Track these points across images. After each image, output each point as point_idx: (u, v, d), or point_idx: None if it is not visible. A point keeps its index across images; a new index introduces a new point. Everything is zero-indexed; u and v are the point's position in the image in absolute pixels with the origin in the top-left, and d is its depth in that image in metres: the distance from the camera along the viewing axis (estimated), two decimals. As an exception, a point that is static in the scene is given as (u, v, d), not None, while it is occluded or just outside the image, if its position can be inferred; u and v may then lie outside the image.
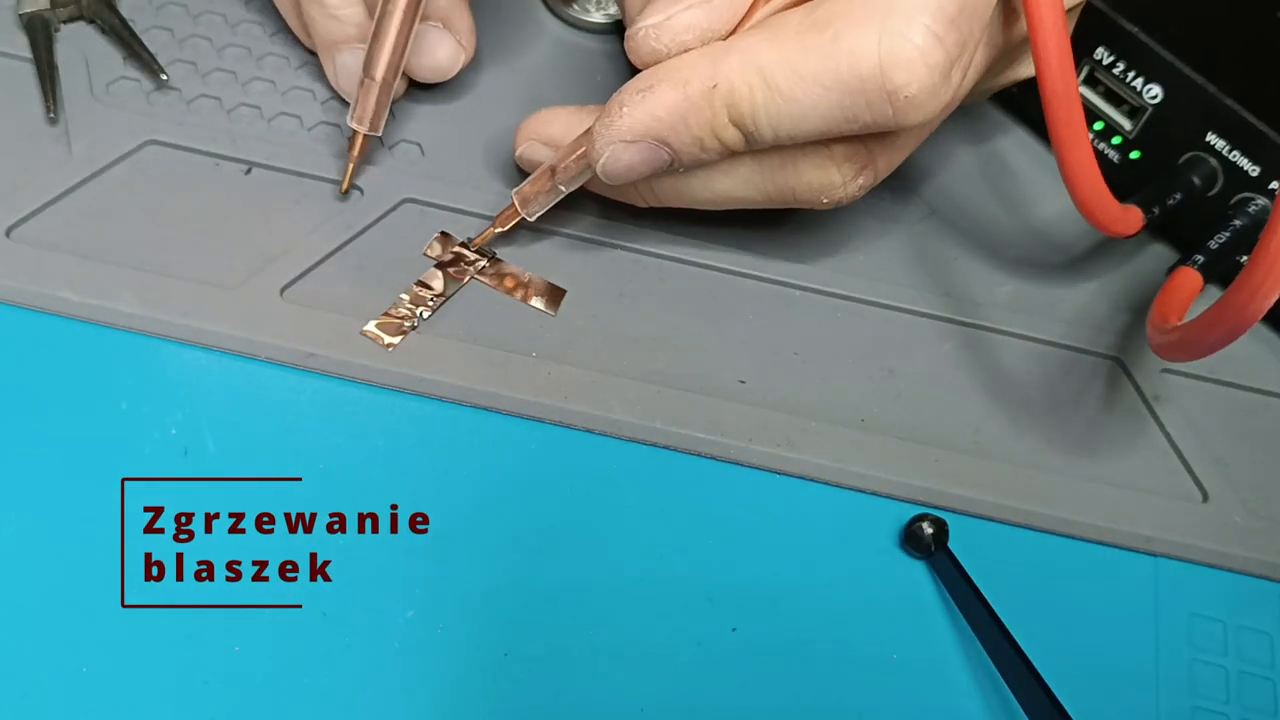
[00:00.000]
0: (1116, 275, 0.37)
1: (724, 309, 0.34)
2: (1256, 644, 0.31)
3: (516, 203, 0.32)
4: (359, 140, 0.33)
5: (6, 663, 0.27)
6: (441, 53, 0.34)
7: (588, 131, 0.30)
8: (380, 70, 0.32)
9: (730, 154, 0.29)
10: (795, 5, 0.28)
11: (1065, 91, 0.29)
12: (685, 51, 0.28)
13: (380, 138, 0.35)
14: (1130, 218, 0.32)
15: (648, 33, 0.28)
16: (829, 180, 0.30)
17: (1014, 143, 0.40)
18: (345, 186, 0.34)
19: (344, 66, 0.34)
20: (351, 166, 0.34)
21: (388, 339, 0.31)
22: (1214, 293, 0.36)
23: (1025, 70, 0.33)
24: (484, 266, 0.33)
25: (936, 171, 0.38)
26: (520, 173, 0.35)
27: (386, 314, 0.32)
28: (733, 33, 0.28)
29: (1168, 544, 0.32)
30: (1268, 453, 0.34)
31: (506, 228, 0.33)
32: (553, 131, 0.32)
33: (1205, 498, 0.33)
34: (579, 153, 0.31)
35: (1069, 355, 0.35)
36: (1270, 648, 0.31)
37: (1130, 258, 0.37)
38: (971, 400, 0.34)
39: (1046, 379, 0.34)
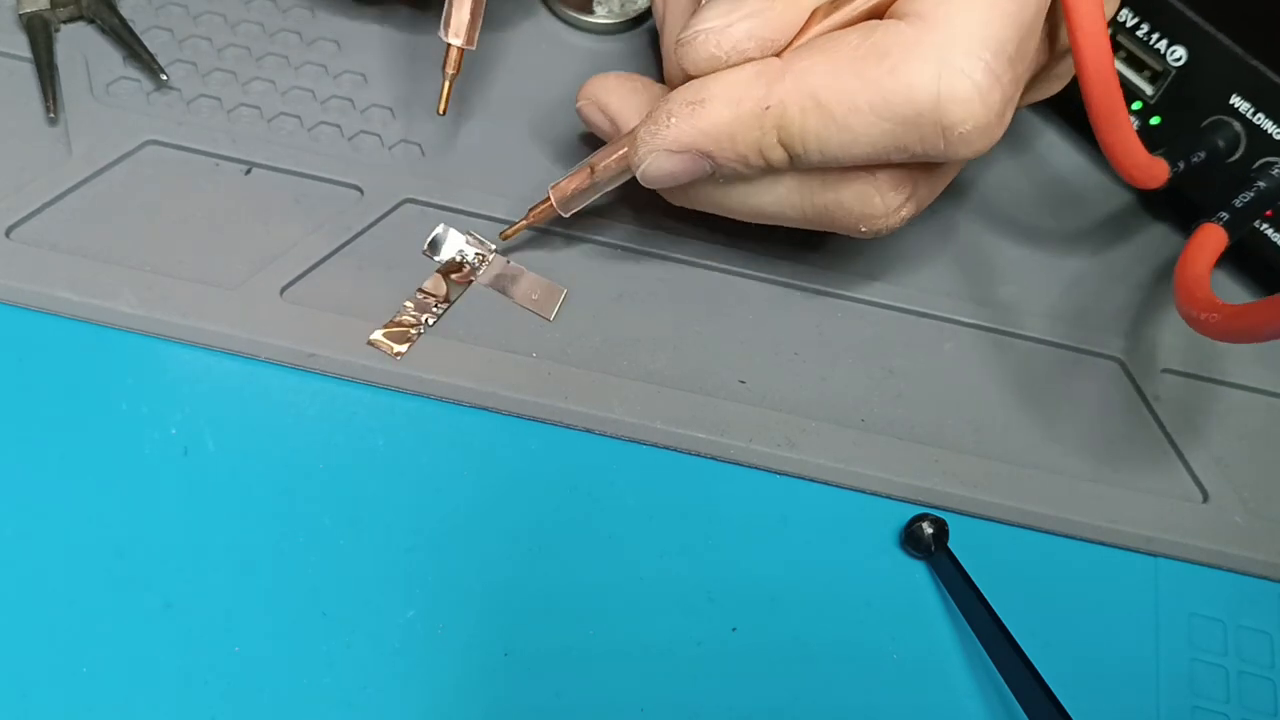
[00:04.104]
0: (1118, 275, 0.37)
1: (724, 309, 0.34)
2: (1256, 644, 0.31)
3: (554, 198, 0.32)
4: (453, 54, 0.32)
5: (7, 663, 0.27)
6: None
7: (630, 133, 0.30)
8: None
9: (772, 171, 0.29)
10: (851, 24, 0.28)
11: (1097, 36, 0.28)
12: (744, 60, 0.27)
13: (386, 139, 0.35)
14: (1156, 169, 0.32)
15: (707, 37, 0.27)
16: (871, 208, 0.29)
17: (1016, 142, 0.40)
18: (443, 107, 0.33)
19: None
20: (448, 85, 0.33)
21: (395, 347, 0.31)
22: (1231, 287, 0.36)
23: (1051, 89, 0.33)
24: (484, 270, 0.33)
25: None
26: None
27: (392, 322, 0.32)
28: (788, 45, 0.28)
29: (1168, 544, 0.32)
30: (1268, 453, 0.34)
31: (540, 222, 0.33)
32: (611, 101, 0.32)
33: (1205, 498, 0.33)
34: (620, 153, 0.30)
35: (1069, 355, 0.35)
36: (1270, 648, 0.31)
37: (1132, 258, 0.37)
38: (971, 400, 0.34)
39: (1046, 379, 0.34)
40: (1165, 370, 0.35)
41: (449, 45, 0.32)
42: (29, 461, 0.29)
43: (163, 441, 0.30)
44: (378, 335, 0.32)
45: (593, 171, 0.31)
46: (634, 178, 0.30)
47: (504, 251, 0.34)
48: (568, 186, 0.32)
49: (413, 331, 0.32)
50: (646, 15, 0.40)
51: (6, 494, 0.29)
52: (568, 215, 0.32)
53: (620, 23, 0.39)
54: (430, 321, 0.32)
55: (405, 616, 0.29)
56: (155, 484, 0.29)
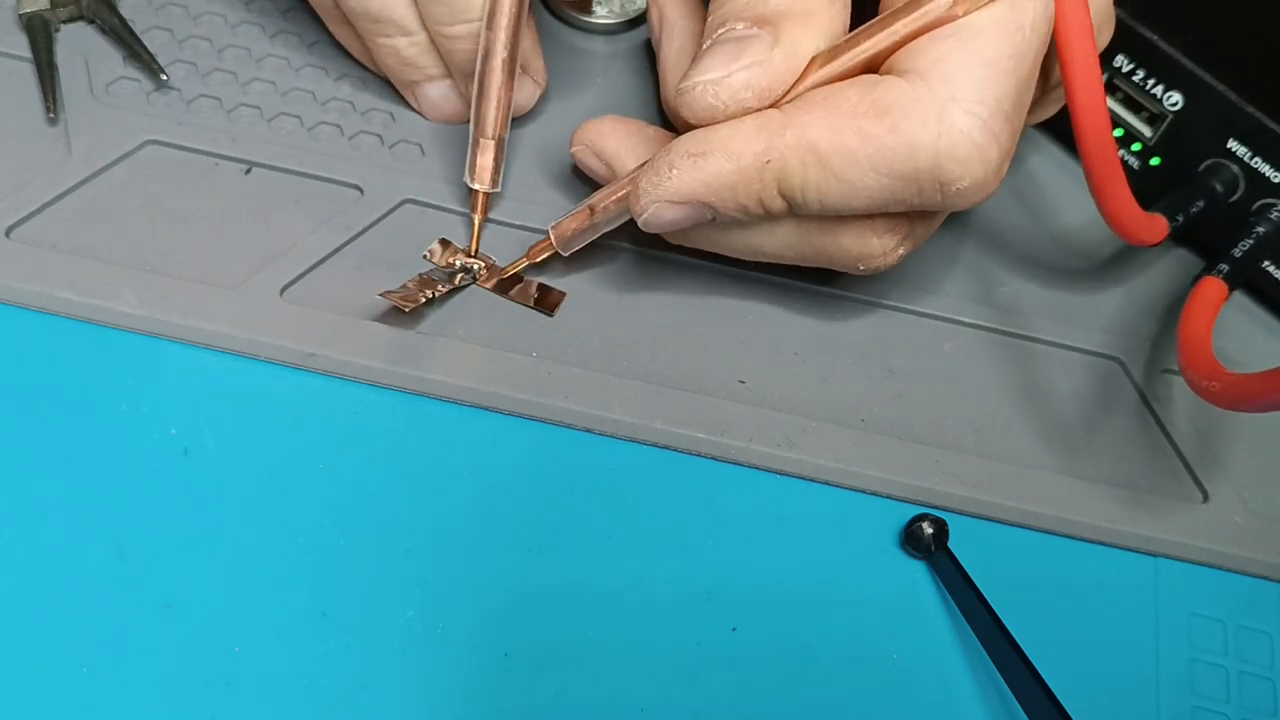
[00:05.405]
0: (1116, 274, 0.37)
1: (724, 309, 0.34)
2: (1256, 644, 0.31)
3: (554, 238, 0.32)
4: (480, 200, 0.33)
5: (7, 663, 0.27)
6: (521, 95, 0.35)
7: (630, 177, 0.30)
8: (493, 129, 0.33)
9: (771, 218, 0.29)
10: (849, 74, 0.28)
11: (1094, 102, 0.29)
12: (743, 109, 0.28)
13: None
14: (1155, 226, 0.32)
15: (706, 88, 0.27)
16: (868, 249, 0.30)
17: (1017, 143, 0.40)
18: (474, 248, 0.34)
19: (427, 98, 0.35)
20: (478, 228, 0.34)
21: (407, 303, 0.31)
22: (1241, 300, 0.36)
23: (1044, 114, 0.33)
24: (484, 271, 0.33)
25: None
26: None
27: (404, 285, 0.31)
28: (786, 94, 0.28)
29: (1168, 544, 0.32)
30: (1268, 453, 0.34)
31: (539, 260, 0.33)
32: (606, 145, 0.32)
33: (1205, 498, 0.33)
34: (619, 195, 0.30)
35: (1069, 355, 0.35)
36: (1270, 648, 0.31)
37: (1129, 257, 0.37)
38: (971, 400, 0.34)
39: (1046, 379, 0.34)
40: (1165, 370, 0.35)
41: (474, 191, 0.33)
42: (29, 462, 0.29)
43: (163, 441, 0.30)
44: (389, 291, 0.31)
45: (592, 213, 0.31)
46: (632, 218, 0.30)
47: (504, 253, 0.34)
48: (568, 227, 0.32)
49: (424, 294, 0.31)
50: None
51: (6, 494, 0.29)
52: (567, 254, 0.32)
53: (620, 23, 0.39)
54: (435, 295, 0.32)
55: (405, 616, 0.29)
56: (155, 484, 0.29)
